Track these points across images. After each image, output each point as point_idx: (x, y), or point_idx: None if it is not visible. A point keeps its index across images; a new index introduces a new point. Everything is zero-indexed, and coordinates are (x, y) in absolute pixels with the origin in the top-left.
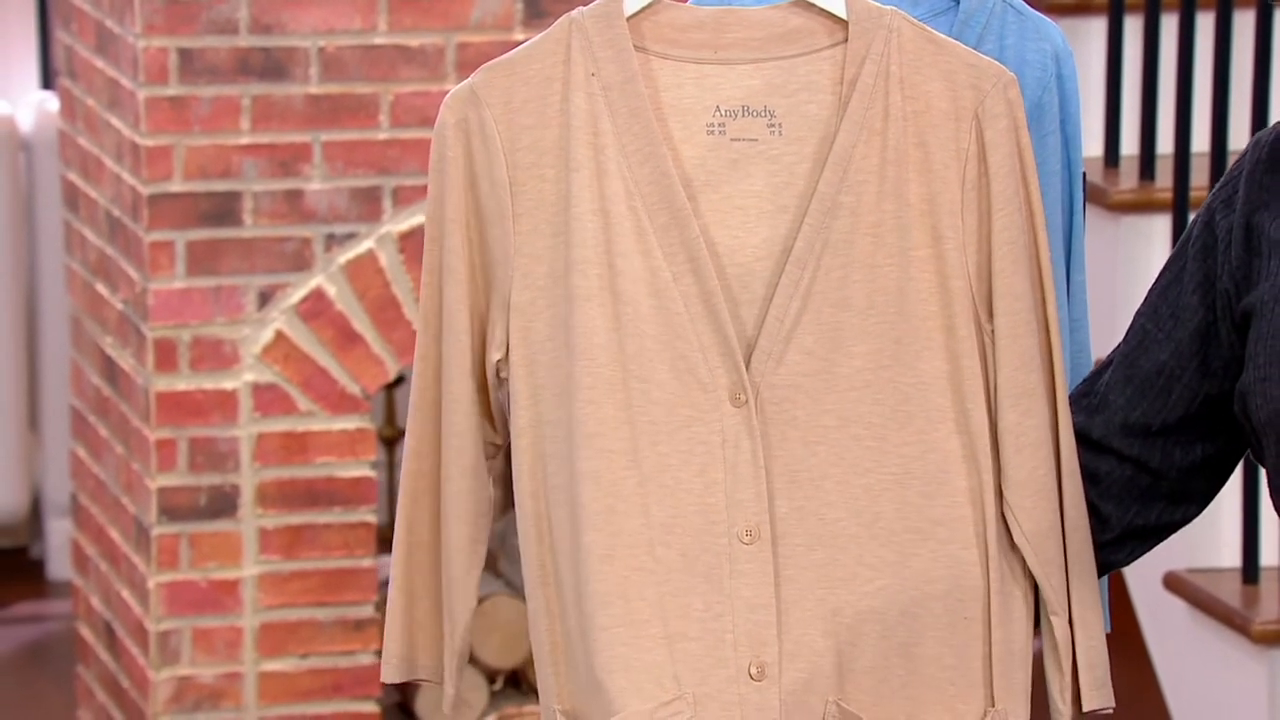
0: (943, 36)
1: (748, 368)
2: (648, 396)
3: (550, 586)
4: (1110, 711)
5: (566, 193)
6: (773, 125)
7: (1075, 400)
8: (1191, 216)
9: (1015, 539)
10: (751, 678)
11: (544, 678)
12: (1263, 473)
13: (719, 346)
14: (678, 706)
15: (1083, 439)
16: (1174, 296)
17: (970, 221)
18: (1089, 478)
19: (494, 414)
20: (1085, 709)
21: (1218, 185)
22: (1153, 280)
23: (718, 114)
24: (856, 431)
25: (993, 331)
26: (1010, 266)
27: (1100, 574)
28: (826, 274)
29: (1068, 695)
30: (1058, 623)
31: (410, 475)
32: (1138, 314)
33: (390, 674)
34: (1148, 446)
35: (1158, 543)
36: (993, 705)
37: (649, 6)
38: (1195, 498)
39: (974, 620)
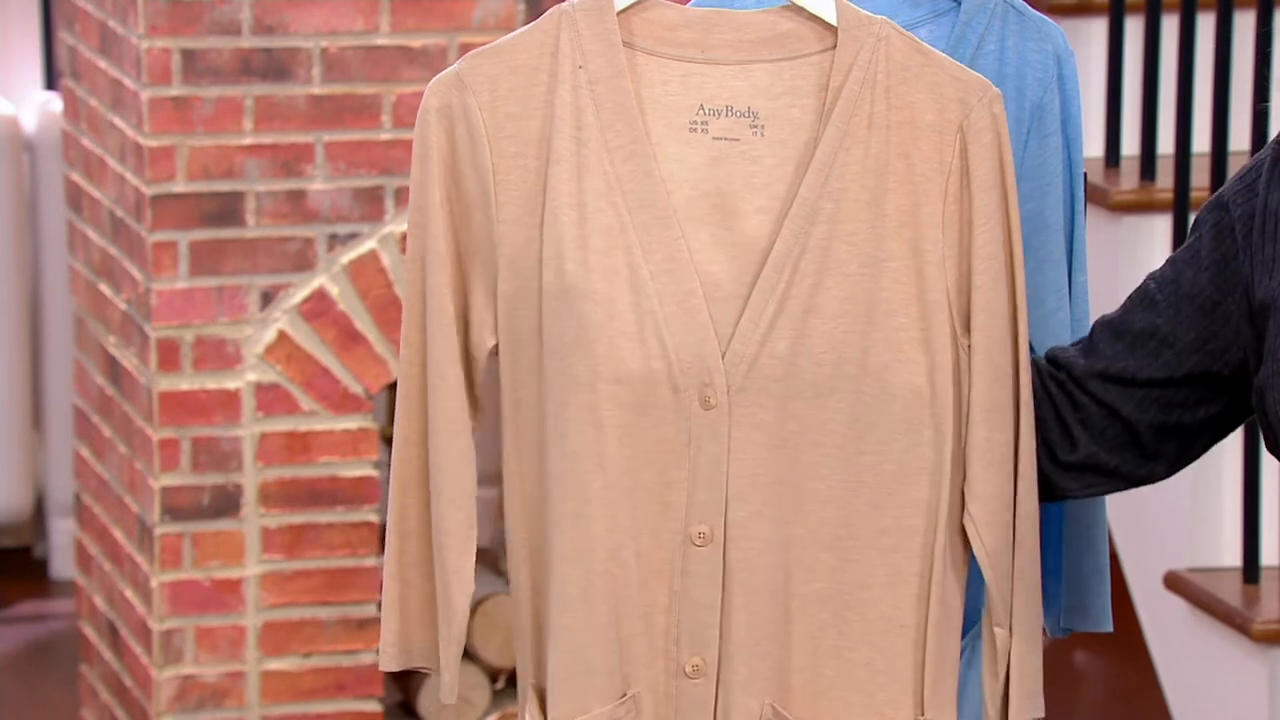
0: (931, 48)
1: (720, 370)
2: (615, 399)
3: (538, 564)
4: None
5: (545, 185)
6: (755, 127)
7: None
8: (1192, 217)
9: (975, 551)
10: (687, 675)
11: (524, 657)
12: (1264, 472)
13: (693, 348)
14: (628, 706)
15: (1068, 372)
16: (1188, 273)
17: (951, 235)
18: (1071, 404)
19: (476, 397)
20: (1013, 718)
21: (1238, 173)
22: None
23: (701, 112)
24: (815, 438)
25: (969, 346)
26: (989, 282)
27: (1048, 500)
28: (801, 279)
29: (998, 702)
30: (1000, 634)
31: (401, 464)
32: (1148, 276)
33: (388, 662)
34: (1123, 395)
35: (1114, 489)
36: (922, 714)
37: (639, 3)
38: (1163, 459)
39: (908, 628)
